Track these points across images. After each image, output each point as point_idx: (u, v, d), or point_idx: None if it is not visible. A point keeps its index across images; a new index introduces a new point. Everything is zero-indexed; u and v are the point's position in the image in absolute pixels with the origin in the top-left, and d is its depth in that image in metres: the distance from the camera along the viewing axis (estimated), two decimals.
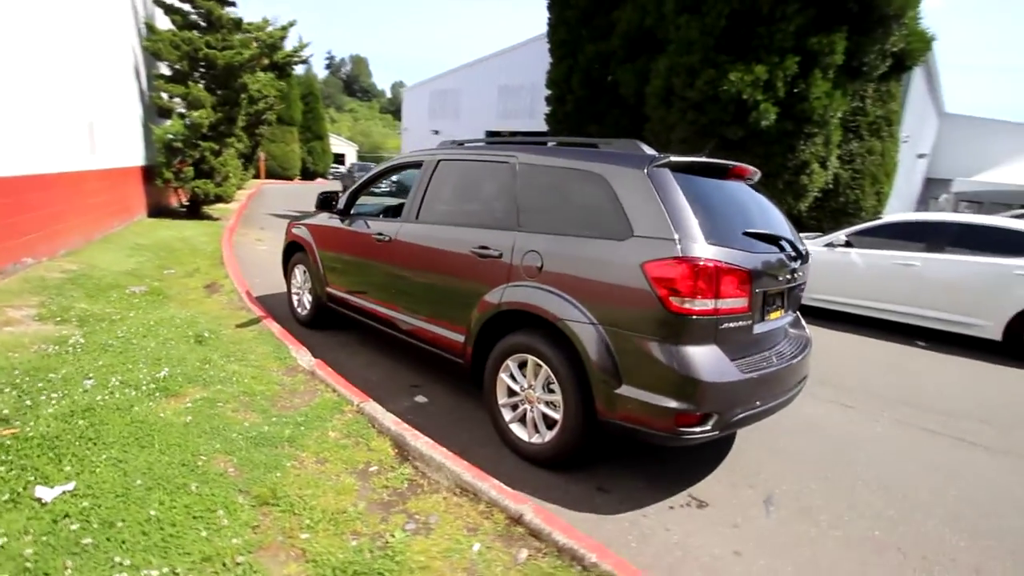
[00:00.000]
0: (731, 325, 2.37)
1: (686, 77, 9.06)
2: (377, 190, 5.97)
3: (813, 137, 9.21)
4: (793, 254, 2.69)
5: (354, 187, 4.27)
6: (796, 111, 8.80)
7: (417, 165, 3.79)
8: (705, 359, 2.27)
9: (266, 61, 9.79)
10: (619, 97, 11.18)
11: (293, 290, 5.00)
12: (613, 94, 11.24)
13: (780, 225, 2.82)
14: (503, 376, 2.90)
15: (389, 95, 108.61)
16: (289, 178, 31.02)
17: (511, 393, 2.90)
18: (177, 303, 5.00)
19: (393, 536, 2.09)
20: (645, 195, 2.40)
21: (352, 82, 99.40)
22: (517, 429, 2.86)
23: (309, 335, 4.51)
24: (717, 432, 2.33)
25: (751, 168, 2.86)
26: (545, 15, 13.13)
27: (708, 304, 2.25)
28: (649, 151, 2.64)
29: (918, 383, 4.60)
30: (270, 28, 10.56)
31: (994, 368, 5.11)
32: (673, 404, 2.26)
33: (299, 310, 4.92)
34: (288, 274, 5.04)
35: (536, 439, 2.76)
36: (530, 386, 2.77)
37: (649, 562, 2.12)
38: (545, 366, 2.65)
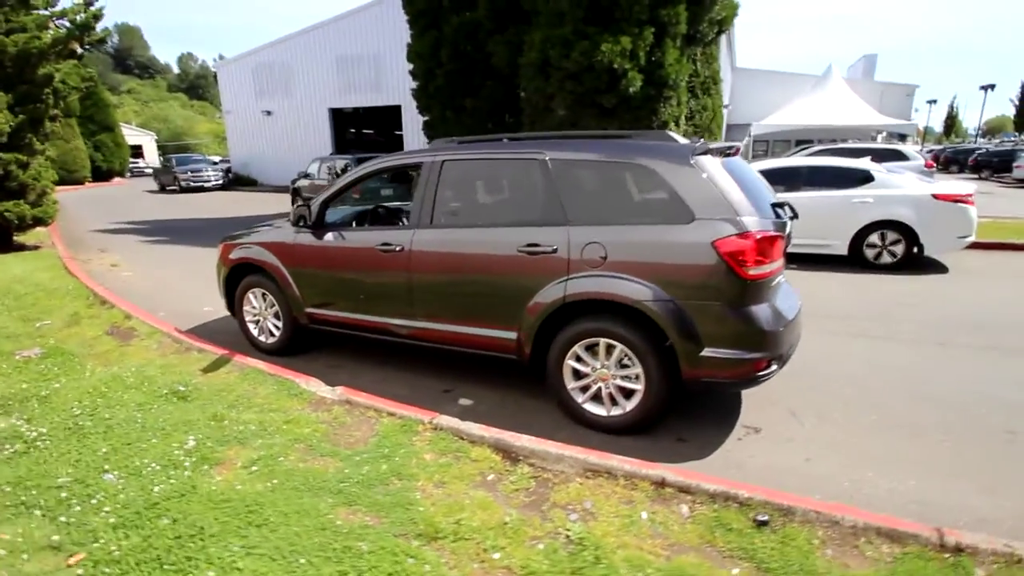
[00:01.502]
0: (774, 282, 2.87)
1: (561, 48, 9.53)
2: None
3: (669, 100, 10.43)
4: (792, 215, 3.28)
5: (324, 197, 3.92)
6: (655, 77, 9.85)
7: (413, 168, 3.64)
8: (768, 313, 2.75)
9: (76, 46, 7.89)
10: (492, 69, 11.30)
11: (249, 318, 4.45)
12: (486, 66, 11.31)
13: (771, 191, 3.38)
14: (569, 362, 3.09)
15: (177, 70, 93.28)
16: (78, 182, 25.54)
17: (578, 376, 3.11)
18: (96, 360, 4.15)
19: (569, 529, 2.23)
20: (699, 182, 2.73)
21: (124, 57, 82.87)
22: (592, 407, 3.10)
23: (288, 364, 4.11)
24: (778, 369, 2.85)
25: (740, 145, 3.36)
26: None
27: (767, 268, 2.70)
28: (684, 140, 2.96)
29: (813, 297, 5.82)
30: (64, 4, 8.45)
31: (849, 276, 6.65)
32: (751, 355, 2.70)
33: (262, 338, 4.42)
34: (238, 302, 4.45)
35: (616, 412, 3.04)
36: (603, 366, 3.01)
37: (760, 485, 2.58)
38: (620, 345, 2.91)
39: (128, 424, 2.98)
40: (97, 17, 7.71)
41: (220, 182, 23.12)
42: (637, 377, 2.93)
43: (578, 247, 2.93)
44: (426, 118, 12.78)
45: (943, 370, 3.94)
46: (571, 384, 3.13)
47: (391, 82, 20.05)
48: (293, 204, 15.25)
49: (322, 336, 4.32)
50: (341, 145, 23.12)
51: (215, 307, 5.71)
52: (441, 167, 3.44)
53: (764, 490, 2.36)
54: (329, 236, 3.84)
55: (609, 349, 2.96)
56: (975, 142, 37.93)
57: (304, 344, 4.41)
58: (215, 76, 30.14)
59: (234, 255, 4.36)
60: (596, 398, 3.10)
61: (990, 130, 61.48)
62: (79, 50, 10.37)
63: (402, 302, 3.56)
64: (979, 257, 7.41)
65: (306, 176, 14.46)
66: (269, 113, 23.29)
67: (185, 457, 2.65)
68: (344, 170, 13.16)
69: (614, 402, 3.05)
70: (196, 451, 2.72)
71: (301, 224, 3.90)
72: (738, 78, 23.59)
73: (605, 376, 3.02)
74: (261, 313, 4.36)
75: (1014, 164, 21.74)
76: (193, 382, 3.65)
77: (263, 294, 4.29)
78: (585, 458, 2.62)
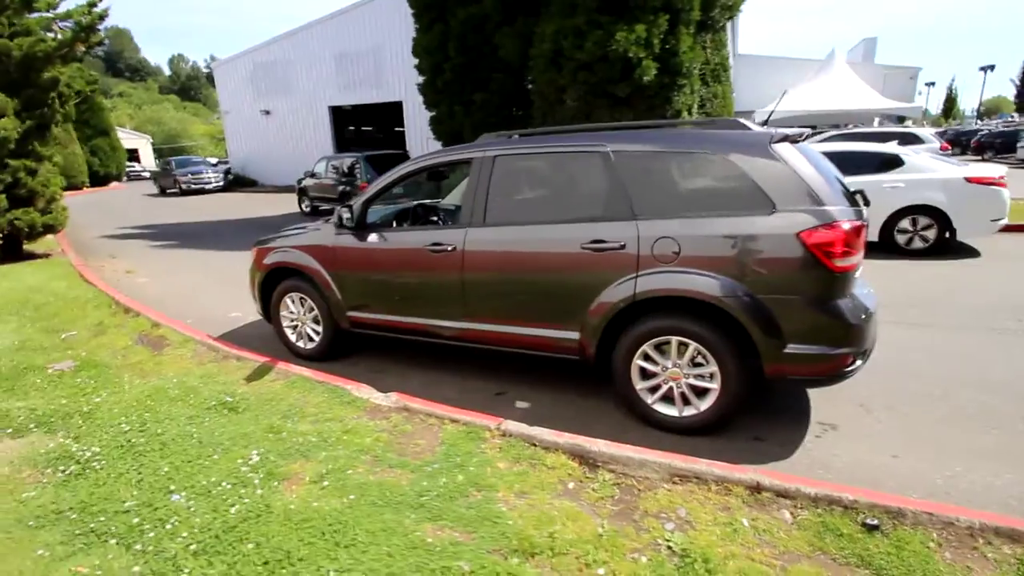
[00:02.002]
0: (856, 274, 2.76)
1: (574, 39, 9.36)
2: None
3: (683, 88, 10.28)
4: (865, 202, 3.16)
5: (366, 197, 3.78)
6: (669, 65, 9.69)
7: (461, 164, 3.51)
8: (853, 306, 2.64)
9: (82, 48, 7.69)
10: (500, 61, 11.12)
11: (286, 324, 4.33)
12: (494, 59, 11.13)
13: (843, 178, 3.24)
14: (637, 362, 2.98)
15: (168, 72, 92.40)
16: (77, 187, 25.27)
17: (646, 376, 3.01)
18: (132, 372, 4.02)
19: (669, 540, 2.13)
20: (779, 171, 2.61)
21: (115, 60, 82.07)
22: (663, 408, 2.99)
23: (331, 369, 3.99)
24: (863, 365, 2.74)
25: (808, 131, 3.23)
26: None
27: (854, 259, 2.58)
28: (757, 128, 2.84)
29: None
30: (65, 5, 8.25)
31: (882, 262, 6.54)
32: (838, 351, 2.59)
33: (300, 344, 4.30)
34: (274, 307, 4.32)
35: (689, 412, 2.93)
36: (675, 365, 2.90)
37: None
38: (693, 343, 2.80)
39: (183, 440, 2.86)
40: (102, 17, 7.51)
41: (220, 184, 22.90)
42: (711, 376, 2.82)
43: (648, 242, 2.81)
44: (433, 113, 12.60)
45: (1000, 356, 3.84)
46: (639, 384, 3.02)
47: (392, 78, 19.81)
48: (300, 204, 15.09)
49: (361, 340, 4.21)
50: (341, 143, 22.90)
51: (243, 312, 5.60)
52: (493, 163, 3.31)
53: (867, 492, 2.26)
54: (373, 237, 3.71)
55: (681, 347, 2.85)
56: (976, 123, 37.86)
57: (344, 349, 4.29)
58: (208, 77, 29.78)
59: (269, 259, 4.23)
60: (666, 398, 2.99)
61: (987, 111, 61.58)
62: (80, 52, 10.19)
63: (454, 303, 3.44)
64: (1009, 240, 7.32)
65: (312, 175, 14.26)
66: (268, 112, 23.01)
67: (252, 473, 2.54)
68: (351, 168, 12.99)
69: (686, 402, 2.94)
70: (261, 466, 2.61)
71: (343, 225, 3.77)
72: (741, 65, 23.37)
73: (677, 375, 2.91)
74: (299, 318, 4.24)
75: (1018, 144, 21.67)
76: (239, 392, 3.53)
77: (301, 298, 4.17)
78: (670, 463, 2.52)
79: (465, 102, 11.68)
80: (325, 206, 14.18)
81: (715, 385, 2.82)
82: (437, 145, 17.65)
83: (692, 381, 2.89)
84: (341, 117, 23.11)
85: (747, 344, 2.71)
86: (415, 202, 4.55)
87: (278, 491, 2.44)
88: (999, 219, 6.39)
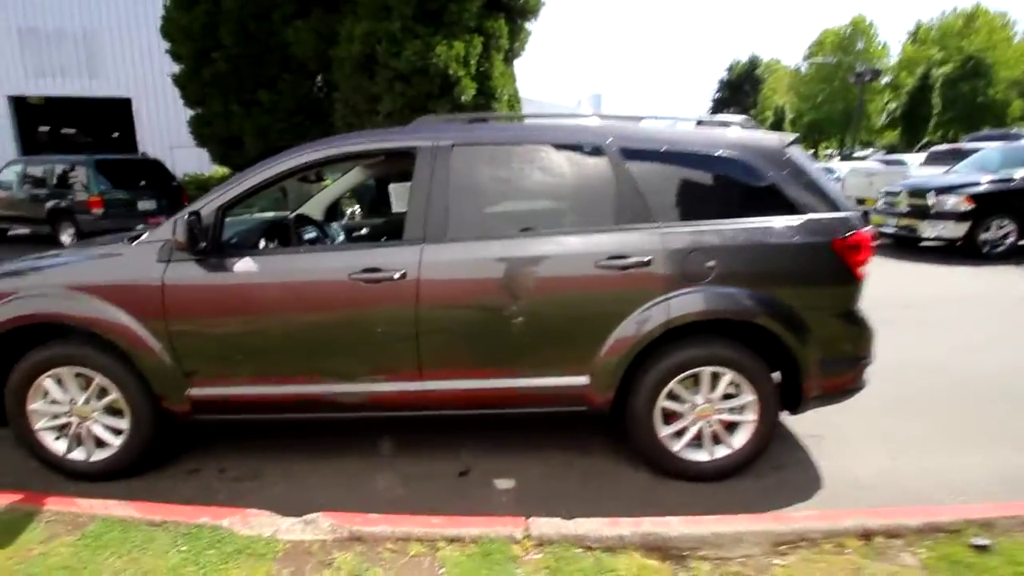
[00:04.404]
0: None
1: (389, 45, 8.52)
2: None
3: (496, 111, 10.37)
4: None
5: (220, 201, 2.34)
6: (486, 88, 9.64)
7: (397, 155, 2.45)
8: (864, 315, 2.58)
9: None
10: (292, 58, 9.47)
11: (45, 423, 2.45)
12: (283, 54, 9.41)
13: None
14: (662, 403, 2.43)
15: None
16: None
17: (669, 418, 2.47)
18: None
19: None
20: (798, 176, 2.40)
21: None
22: (691, 454, 2.48)
23: (154, 492, 2.40)
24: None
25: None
26: None
27: (867, 267, 2.52)
28: (758, 129, 2.60)
29: None
30: None
31: None
32: (861, 361, 2.49)
33: (77, 455, 2.49)
34: (17, 395, 2.40)
35: (722, 453, 2.48)
36: (706, 400, 2.44)
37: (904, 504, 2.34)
38: (730, 371, 2.38)
39: None
40: None
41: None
42: (744, 407, 2.44)
43: (678, 256, 2.29)
44: (198, 111, 10.03)
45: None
46: (663, 431, 2.46)
47: (114, 67, 15.47)
48: None
49: (185, 433, 2.67)
50: (29, 146, 16.79)
51: None
52: (451, 155, 2.37)
53: (954, 508, 2.15)
54: (245, 264, 2.30)
55: (714, 379, 2.41)
56: None
57: (160, 451, 2.64)
58: None
59: (5, 312, 2.33)
60: (692, 442, 2.49)
61: None
62: None
63: (400, 356, 2.34)
64: None
65: None
66: None
67: None
68: (65, 177, 9.37)
69: (715, 442, 2.50)
70: None
71: (189, 247, 2.25)
72: None
73: (707, 412, 2.45)
74: (78, 411, 2.42)
75: None
76: None
77: (79, 376, 2.39)
78: (767, 528, 2.01)
79: (246, 102, 9.59)
80: (19, 229, 9.98)
81: (751, 416, 2.44)
82: (187, 153, 14.36)
83: (724, 416, 2.47)
84: (29, 113, 16.97)
85: (783, 365, 2.43)
86: (292, 213, 3.14)
87: None
88: None
